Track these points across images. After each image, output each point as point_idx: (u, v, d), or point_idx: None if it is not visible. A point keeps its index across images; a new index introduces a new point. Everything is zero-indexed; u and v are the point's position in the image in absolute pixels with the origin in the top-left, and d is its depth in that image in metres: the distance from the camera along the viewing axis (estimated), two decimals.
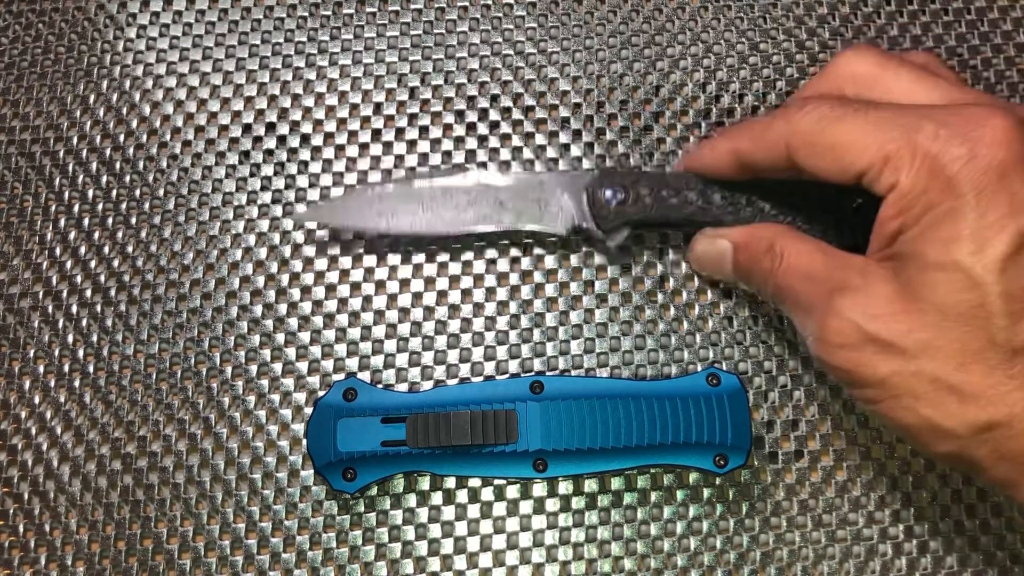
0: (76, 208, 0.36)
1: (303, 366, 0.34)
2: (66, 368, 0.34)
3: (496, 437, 0.30)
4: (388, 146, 0.37)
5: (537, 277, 0.35)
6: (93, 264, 0.36)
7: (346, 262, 0.35)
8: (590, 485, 0.33)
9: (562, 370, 0.34)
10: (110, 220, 0.36)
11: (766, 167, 0.30)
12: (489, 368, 0.35)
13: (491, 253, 0.36)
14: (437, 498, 0.33)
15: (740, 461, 0.31)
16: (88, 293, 0.35)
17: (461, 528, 0.33)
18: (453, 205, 0.34)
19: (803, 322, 0.29)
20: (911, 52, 0.31)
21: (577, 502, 0.33)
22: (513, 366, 0.35)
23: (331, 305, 0.35)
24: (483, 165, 0.37)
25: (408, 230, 0.34)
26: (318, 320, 0.35)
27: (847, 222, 0.33)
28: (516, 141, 0.37)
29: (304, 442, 0.33)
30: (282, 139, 0.37)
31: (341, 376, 0.34)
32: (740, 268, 0.32)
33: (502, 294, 0.35)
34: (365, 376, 0.34)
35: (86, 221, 0.36)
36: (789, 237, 0.30)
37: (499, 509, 0.33)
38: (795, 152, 0.28)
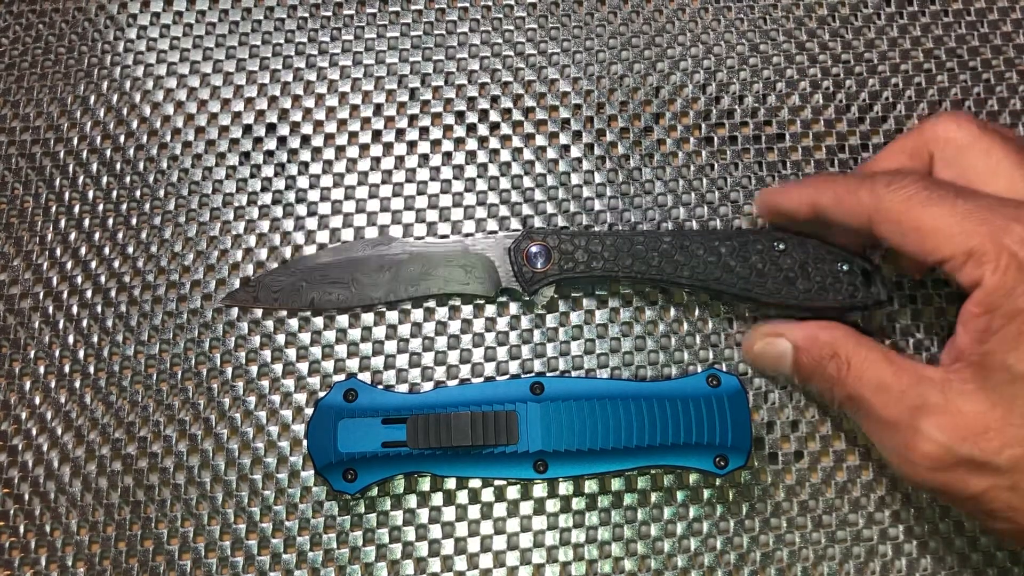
0: (77, 209, 0.36)
1: (303, 367, 0.35)
2: (67, 369, 0.34)
3: (496, 438, 0.30)
4: (388, 147, 0.37)
5: None
6: (94, 265, 0.36)
7: None
8: (590, 486, 0.33)
9: (562, 371, 0.35)
10: (111, 221, 0.36)
11: (841, 226, 0.30)
12: (489, 369, 0.35)
13: None
14: (438, 499, 0.33)
15: (740, 462, 0.31)
16: (89, 294, 0.35)
17: (462, 529, 0.33)
18: (380, 276, 0.34)
19: (880, 436, 0.28)
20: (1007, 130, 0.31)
21: (577, 503, 0.33)
22: (513, 367, 0.35)
23: None
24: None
25: (338, 303, 0.34)
26: (319, 321, 0.35)
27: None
28: (517, 142, 0.37)
29: (305, 443, 0.33)
30: (283, 140, 0.37)
31: (342, 377, 0.34)
32: (802, 371, 0.31)
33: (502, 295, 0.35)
34: (366, 377, 0.34)
35: (87, 222, 0.36)
36: (853, 342, 0.29)
37: (499, 510, 0.33)
38: (877, 226, 0.28)
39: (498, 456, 0.31)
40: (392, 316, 0.35)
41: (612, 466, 0.31)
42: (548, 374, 0.34)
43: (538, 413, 0.31)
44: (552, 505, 0.33)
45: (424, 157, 0.37)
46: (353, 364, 0.35)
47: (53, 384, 0.34)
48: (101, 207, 0.36)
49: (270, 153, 0.37)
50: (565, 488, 0.33)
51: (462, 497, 0.33)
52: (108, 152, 0.37)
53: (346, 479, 0.31)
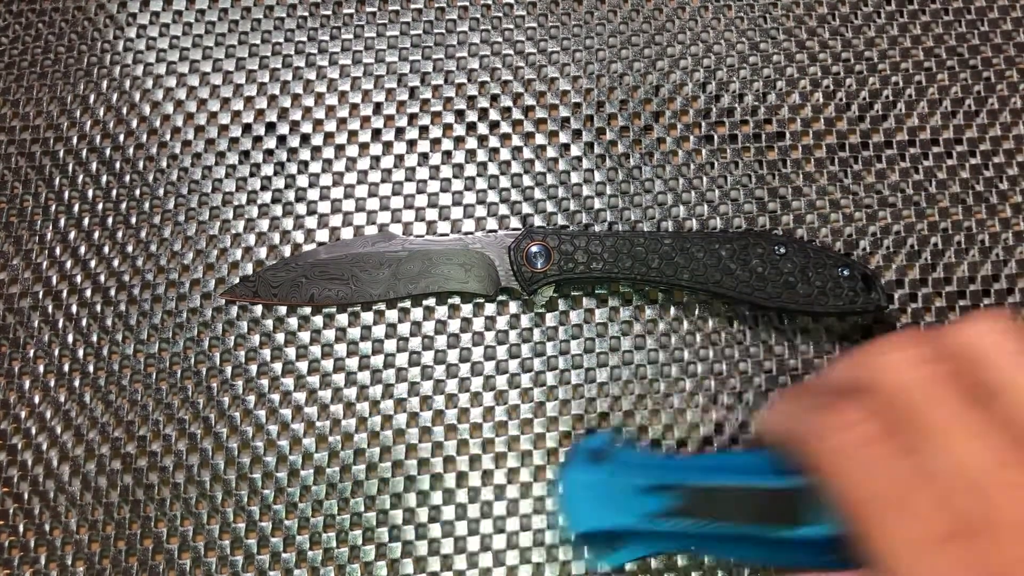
0: (76, 208, 0.36)
1: (303, 366, 0.34)
2: (66, 368, 0.34)
3: (782, 518, 0.25)
4: (388, 146, 0.37)
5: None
6: (93, 264, 0.36)
7: None
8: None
9: (563, 370, 0.34)
10: (110, 220, 0.36)
11: None
12: (489, 368, 0.34)
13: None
14: (437, 498, 0.33)
15: None
16: (88, 293, 0.35)
17: (461, 528, 0.33)
18: (380, 272, 0.34)
19: None
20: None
21: None
22: (513, 366, 0.35)
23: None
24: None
25: (337, 299, 0.34)
26: (318, 320, 0.35)
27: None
28: (516, 141, 0.37)
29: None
30: (282, 139, 0.37)
31: (341, 375, 0.34)
32: None
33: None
34: (365, 377, 0.34)
35: (86, 221, 0.36)
36: None
37: (499, 508, 0.33)
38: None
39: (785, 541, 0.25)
40: (391, 315, 0.35)
41: None
42: None
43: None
44: (552, 504, 0.33)
45: (424, 156, 0.37)
46: (352, 363, 0.34)
47: (52, 383, 0.34)
48: (100, 206, 0.36)
49: (270, 152, 0.37)
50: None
51: (461, 496, 0.33)
52: (107, 151, 0.37)
53: (608, 549, 0.28)
